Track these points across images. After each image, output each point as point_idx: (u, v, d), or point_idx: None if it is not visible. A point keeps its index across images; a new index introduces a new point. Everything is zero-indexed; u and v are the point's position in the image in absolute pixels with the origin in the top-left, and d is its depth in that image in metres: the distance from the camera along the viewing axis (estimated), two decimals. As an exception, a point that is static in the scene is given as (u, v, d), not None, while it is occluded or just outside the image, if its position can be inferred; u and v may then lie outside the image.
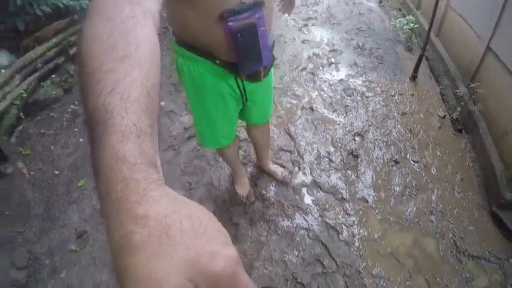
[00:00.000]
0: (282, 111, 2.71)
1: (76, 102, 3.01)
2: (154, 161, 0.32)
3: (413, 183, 2.12)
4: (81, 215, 2.05)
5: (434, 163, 2.28)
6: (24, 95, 2.84)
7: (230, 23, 0.97)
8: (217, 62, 1.11)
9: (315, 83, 3.14)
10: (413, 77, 3.17)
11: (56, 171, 2.36)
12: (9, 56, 3.14)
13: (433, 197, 2.05)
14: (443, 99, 2.92)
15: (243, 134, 2.20)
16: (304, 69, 3.37)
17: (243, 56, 1.05)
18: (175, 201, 0.28)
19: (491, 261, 1.80)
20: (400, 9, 5.05)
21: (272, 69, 1.37)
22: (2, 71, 2.93)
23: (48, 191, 2.24)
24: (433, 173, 2.21)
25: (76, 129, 2.73)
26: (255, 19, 1.00)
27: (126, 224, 0.26)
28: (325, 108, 2.76)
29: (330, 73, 3.33)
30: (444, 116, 2.71)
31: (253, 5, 0.99)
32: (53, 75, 3.29)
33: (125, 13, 0.42)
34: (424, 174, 2.19)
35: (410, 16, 4.09)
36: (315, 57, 3.64)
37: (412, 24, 3.84)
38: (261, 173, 2.14)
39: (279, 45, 3.76)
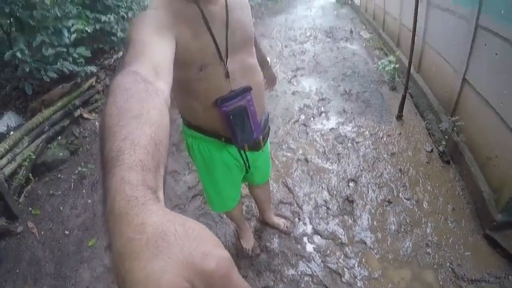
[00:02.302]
0: (279, 165, 3.08)
1: (83, 164, 3.36)
2: (155, 190, 0.39)
3: (408, 220, 2.43)
4: (93, 274, 2.28)
5: (425, 197, 2.59)
6: (33, 156, 3.21)
7: (224, 108, 1.26)
8: (223, 139, 1.44)
9: (307, 134, 3.55)
10: (399, 116, 3.58)
11: (66, 231, 2.64)
12: (17, 117, 3.60)
13: (428, 230, 2.35)
14: (429, 133, 3.30)
15: (244, 191, 2.48)
16: (296, 121, 3.81)
17: (236, 132, 1.36)
18: (171, 213, 0.33)
19: (491, 281, 2.05)
20: (382, 49, 5.61)
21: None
22: (12, 133, 3.34)
23: (58, 250, 2.50)
24: (426, 207, 2.52)
25: (84, 191, 3.05)
26: (245, 102, 1.29)
27: (126, 233, 0.32)
28: (319, 158, 3.14)
29: (321, 123, 3.76)
30: (431, 150, 3.07)
31: (243, 90, 1.28)
32: (60, 138, 3.72)
33: (140, 87, 0.58)
34: (417, 209, 2.51)
35: (391, 56, 4.60)
36: (305, 108, 4.09)
37: (393, 64, 4.32)
38: (263, 226, 2.45)
39: (271, 100, 4.23)
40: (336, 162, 3.06)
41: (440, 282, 2.05)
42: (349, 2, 10.17)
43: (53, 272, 2.35)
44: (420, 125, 3.47)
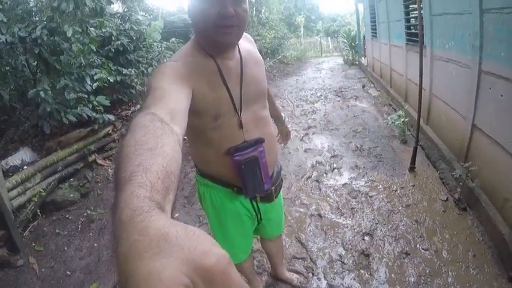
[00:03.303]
0: (291, 221, 3.13)
1: (92, 208, 3.43)
2: (161, 206, 0.43)
3: (427, 271, 2.40)
4: None
5: (444, 247, 2.58)
6: (43, 193, 3.31)
7: (236, 157, 1.31)
8: (235, 189, 1.45)
9: (320, 190, 3.63)
10: (412, 168, 3.65)
11: (68, 272, 2.63)
12: (32, 154, 3.77)
13: (449, 279, 2.31)
14: (443, 182, 3.34)
15: (256, 245, 2.50)
16: (309, 177, 3.90)
17: (247, 182, 1.37)
18: (173, 221, 0.36)
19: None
20: (390, 105, 5.83)
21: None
22: (25, 167, 3.47)
23: None
24: (445, 256, 2.50)
25: (91, 234, 3.08)
26: (257, 153, 1.35)
27: (132, 236, 0.34)
28: (332, 213, 3.19)
29: (334, 178, 3.85)
30: (447, 198, 3.09)
31: (255, 142, 1.34)
32: (72, 179, 3.84)
33: (157, 125, 0.65)
34: (436, 259, 2.48)
35: (400, 111, 4.78)
36: (318, 164, 4.21)
37: (403, 119, 4.49)
38: (276, 281, 2.44)
39: (283, 157, 4.38)
40: (350, 217, 3.10)
41: (467, 335, 1.99)
42: (357, 62, 10.74)
43: None
44: (433, 175, 3.52)
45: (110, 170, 4.20)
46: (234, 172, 1.37)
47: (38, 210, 3.29)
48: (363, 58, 11.16)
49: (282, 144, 2.10)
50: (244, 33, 1.34)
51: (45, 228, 3.20)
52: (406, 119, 4.52)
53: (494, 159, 2.69)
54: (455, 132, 3.45)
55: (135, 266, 0.32)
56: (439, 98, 3.95)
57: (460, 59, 3.25)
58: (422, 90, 3.59)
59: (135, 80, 5.03)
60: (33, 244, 2.99)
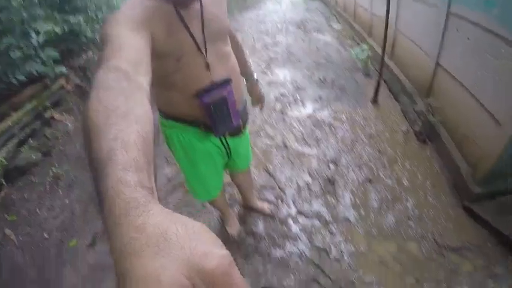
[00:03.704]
0: (258, 152, 3.10)
1: (57, 165, 3.24)
2: (151, 190, 0.40)
3: (389, 197, 2.51)
4: (78, 275, 2.20)
5: (405, 175, 2.69)
6: (5, 162, 3.06)
7: (204, 99, 1.28)
8: (202, 127, 1.44)
9: (285, 121, 3.60)
10: (375, 100, 3.69)
11: (45, 234, 2.53)
12: None
13: (409, 205, 2.43)
14: (404, 115, 3.42)
15: (226, 179, 2.46)
16: (273, 109, 3.84)
17: (217, 122, 1.39)
18: (172, 214, 0.34)
19: (471, 249, 2.16)
20: (353, 39, 5.76)
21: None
22: None
23: (39, 254, 2.39)
24: (405, 184, 2.61)
25: (60, 192, 2.94)
26: (225, 92, 1.31)
27: (127, 233, 0.32)
28: (297, 143, 3.19)
29: (298, 110, 3.81)
30: (407, 130, 3.18)
31: (223, 82, 1.31)
32: (31, 140, 3.55)
33: (124, 84, 0.60)
34: (397, 187, 2.59)
35: (364, 44, 4.73)
36: (281, 97, 4.14)
37: (366, 52, 4.46)
38: (247, 211, 2.47)
39: (246, 91, 4.25)
40: (315, 147, 3.12)
41: (424, 253, 2.13)
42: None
43: (37, 278, 2.24)
44: (395, 108, 3.59)
45: (69, 124, 3.86)
46: (202, 113, 1.35)
47: (3, 180, 3.02)
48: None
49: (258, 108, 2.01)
50: None
51: (13, 196, 2.96)
52: (370, 53, 4.49)
53: (456, 98, 2.75)
54: (419, 69, 3.48)
55: (131, 264, 0.30)
56: (405, 34, 3.92)
57: None
58: (388, 26, 3.53)
59: (84, 27, 4.49)
60: (5, 215, 2.77)
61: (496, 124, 2.27)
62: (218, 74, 1.31)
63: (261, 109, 2.01)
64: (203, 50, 1.23)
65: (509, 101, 2.12)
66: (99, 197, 0.40)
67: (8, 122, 3.38)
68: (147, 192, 0.38)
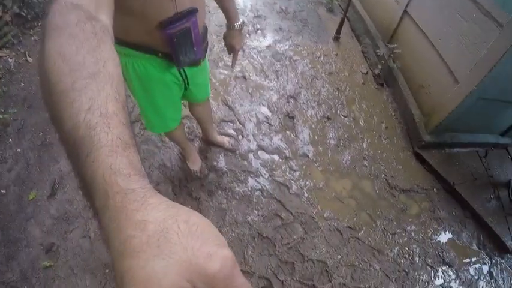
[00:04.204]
0: (216, 83, 2.92)
1: (2, 110, 2.79)
2: (143, 170, 0.37)
3: (346, 135, 2.53)
4: (43, 228, 2.04)
5: (361, 116, 2.72)
6: None
7: (168, 31, 1.16)
8: (160, 55, 1.29)
9: (244, 51, 3.39)
10: (336, 38, 3.59)
11: (2, 190, 2.26)
12: None
13: (364, 145, 2.49)
14: (365, 57, 3.39)
15: (185, 112, 2.36)
16: (231, 38, 3.60)
17: (179, 54, 1.27)
18: (173, 208, 0.32)
19: (419, 192, 2.30)
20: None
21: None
22: None
23: None
24: (362, 124, 2.65)
25: (10, 140, 2.57)
26: (190, 24, 1.20)
27: (125, 230, 0.30)
28: (257, 75, 3.05)
29: (258, 40, 3.61)
30: (367, 72, 3.18)
31: (188, 12, 1.18)
32: None
33: (88, 30, 0.47)
34: (354, 126, 2.62)
35: (329, -23, 4.50)
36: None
37: (332, -14, 4.25)
38: (208, 146, 2.37)
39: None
40: (274, 80, 3.01)
41: (377, 191, 2.22)
42: None
43: (1, 238, 2.01)
44: (356, 48, 3.54)
45: (9, 60, 3.22)
46: (163, 43, 1.22)
47: None
48: None
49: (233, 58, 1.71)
50: None
51: None
52: (335, -13, 4.30)
53: (418, 48, 2.77)
54: (385, 13, 3.41)
55: (130, 265, 0.28)
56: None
57: None
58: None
59: None
60: None
61: (454, 81, 2.34)
62: (183, 2, 1.16)
63: (233, 66, 1.74)
64: None
65: (469, 63, 2.17)
66: (84, 184, 0.35)
67: None
68: (141, 177, 0.35)
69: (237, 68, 3.11)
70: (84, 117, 0.37)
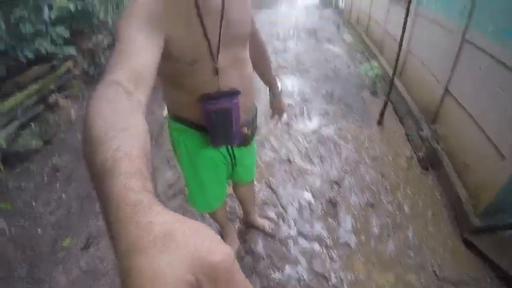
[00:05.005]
0: (262, 165, 3.10)
1: (57, 155, 3.20)
2: (154, 195, 0.41)
3: (390, 224, 2.52)
4: (69, 277, 2.15)
5: (406, 202, 2.70)
6: (3, 145, 3.00)
7: (207, 105, 1.24)
8: (208, 134, 1.38)
9: (290, 134, 3.60)
10: (380, 121, 3.69)
11: (39, 229, 2.49)
12: None
13: (409, 234, 2.44)
14: (408, 140, 3.43)
15: (228, 190, 2.41)
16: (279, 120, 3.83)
17: (216, 133, 1.35)
18: (178, 215, 0.35)
19: (470, 283, 2.17)
20: (363, 53, 5.76)
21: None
22: None
23: (31, 250, 2.35)
24: (406, 211, 2.62)
25: (58, 185, 2.89)
26: (231, 104, 1.26)
27: (134, 232, 0.33)
28: (301, 159, 3.19)
29: (304, 123, 3.82)
30: (411, 156, 3.19)
31: (230, 93, 1.26)
32: (33, 125, 3.48)
33: (124, 100, 0.60)
34: (398, 213, 2.60)
35: (374, 62, 4.73)
36: (288, 107, 4.13)
37: (376, 70, 4.46)
38: (248, 227, 2.46)
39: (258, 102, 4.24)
40: (318, 164, 3.12)
41: (423, 284, 2.14)
42: (333, 4, 10.37)
43: (26, 275, 2.20)
44: (400, 131, 3.60)
45: (72, 111, 3.81)
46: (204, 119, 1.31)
47: (0, 164, 2.97)
48: (340, 0, 10.80)
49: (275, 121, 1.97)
50: None
51: (9, 184, 2.93)
52: (379, 71, 4.49)
53: (461, 126, 2.76)
54: (427, 93, 3.48)
55: (137, 262, 0.30)
56: (416, 56, 3.92)
57: (445, 23, 3.18)
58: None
59: (98, 8, 4.40)
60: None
61: (501, 157, 2.28)
62: (227, 82, 1.25)
63: (276, 123, 1.99)
64: (215, 53, 1.17)
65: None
66: (103, 205, 0.40)
67: (12, 102, 3.28)
68: (151, 195, 0.39)
69: (283, 151, 3.28)
70: (112, 155, 0.44)
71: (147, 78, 0.77)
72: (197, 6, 1.06)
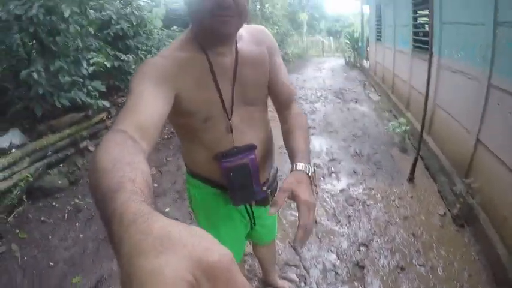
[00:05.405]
0: (286, 225, 3.06)
1: (80, 196, 3.31)
2: (153, 206, 0.45)
3: (422, 288, 2.37)
4: None
5: (440, 264, 2.53)
6: (30, 179, 3.16)
7: (224, 163, 1.22)
8: (228, 191, 1.32)
9: (317, 194, 3.58)
10: (411, 179, 3.60)
11: (51, 263, 2.52)
12: (22, 136, 3.60)
13: (444, 300, 2.28)
14: (441, 196, 3.29)
15: (247, 248, 2.34)
16: (306, 180, 3.84)
17: (235, 191, 1.29)
18: (175, 221, 0.37)
19: None
20: (391, 111, 5.78)
21: None
22: (13, 150, 3.31)
23: (39, 281, 2.39)
24: (440, 274, 2.45)
25: (77, 224, 2.97)
26: (248, 160, 1.24)
27: (135, 236, 0.35)
28: (328, 219, 3.14)
29: (331, 183, 3.79)
30: (444, 213, 3.05)
31: (247, 148, 1.24)
32: (61, 165, 3.68)
33: (130, 143, 0.69)
34: (431, 276, 2.44)
35: (402, 119, 4.73)
36: (315, 167, 4.13)
37: (404, 127, 4.44)
38: None
39: (280, 157, 4.27)
40: (346, 225, 3.05)
41: None
42: (358, 64, 10.68)
43: None
44: (432, 187, 3.48)
45: None
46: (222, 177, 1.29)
47: (24, 196, 3.16)
48: (365, 61, 11.15)
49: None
50: (256, 26, 1.28)
51: (30, 215, 3.09)
52: (407, 128, 4.46)
53: (497, 176, 2.64)
54: (458, 146, 3.40)
55: (139, 264, 0.32)
56: (443, 108, 3.89)
57: (468, 71, 3.19)
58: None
59: (133, 67, 4.85)
60: (17, 231, 2.88)
61: None
62: (242, 139, 1.24)
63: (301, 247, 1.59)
64: (229, 111, 1.18)
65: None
66: (107, 221, 0.44)
67: (44, 141, 3.53)
68: (151, 206, 0.43)
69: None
70: (117, 180, 0.50)
71: (152, 131, 0.84)
72: (211, 66, 1.10)
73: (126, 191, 0.47)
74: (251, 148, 1.26)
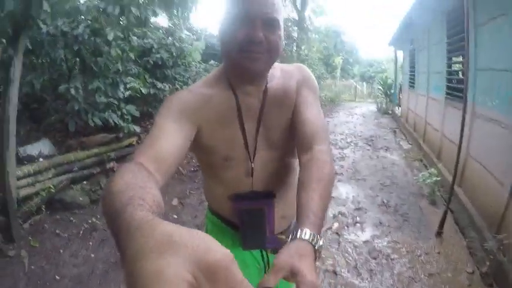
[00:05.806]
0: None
1: (98, 216, 3.33)
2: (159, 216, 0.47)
3: None
4: None
5: (466, 327, 2.41)
6: (52, 190, 3.24)
7: (237, 204, 1.18)
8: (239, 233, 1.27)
9: (339, 244, 3.52)
10: (439, 233, 3.48)
11: (57, 276, 2.53)
12: (51, 147, 3.72)
13: None
14: (470, 253, 3.15)
15: None
16: (329, 228, 3.78)
17: (246, 234, 1.24)
18: (176, 225, 0.38)
19: None
20: (421, 160, 5.68)
21: None
22: (41, 159, 3.42)
23: None
24: (466, 338, 2.33)
25: (91, 243, 2.99)
26: (264, 205, 1.19)
27: (138, 240, 0.37)
28: (349, 272, 3.07)
29: (355, 233, 3.73)
30: (473, 271, 2.91)
31: (264, 195, 1.19)
32: (85, 182, 3.75)
33: (144, 173, 0.73)
34: None
35: (432, 169, 4.64)
36: (340, 215, 4.09)
37: (434, 177, 4.34)
38: None
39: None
40: (367, 280, 2.97)
41: None
42: (390, 111, 10.65)
43: None
44: (461, 243, 3.34)
45: None
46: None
47: (43, 206, 3.24)
48: (397, 107, 11.13)
49: None
50: (295, 64, 1.24)
51: (46, 225, 3.15)
52: (438, 179, 4.36)
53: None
54: (490, 199, 3.28)
55: (141, 265, 0.33)
56: (476, 159, 3.79)
57: (502, 120, 3.13)
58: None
59: (167, 94, 5.06)
60: (30, 238, 2.93)
61: None
62: (262, 184, 1.19)
63: None
64: (252, 153, 1.13)
65: None
66: (117, 232, 0.47)
67: (72, 156, 3.64)
68: (157, 216, 0.46)
69: (329, 261, 3.19)
70: (128, 197, 0.54)
71: (168, 164, 0.87)
72: (237, 103, 1.08)
73: (135, 205, 0.50)
74: (269, 195, 1.19)
